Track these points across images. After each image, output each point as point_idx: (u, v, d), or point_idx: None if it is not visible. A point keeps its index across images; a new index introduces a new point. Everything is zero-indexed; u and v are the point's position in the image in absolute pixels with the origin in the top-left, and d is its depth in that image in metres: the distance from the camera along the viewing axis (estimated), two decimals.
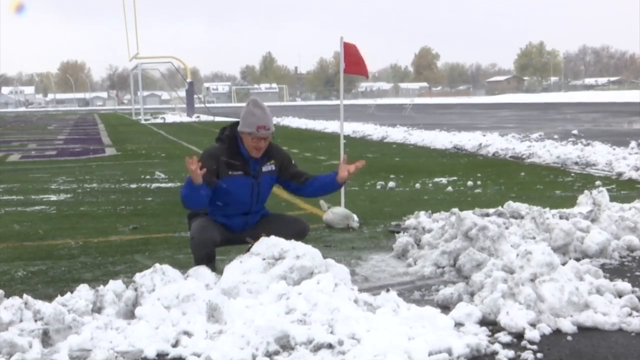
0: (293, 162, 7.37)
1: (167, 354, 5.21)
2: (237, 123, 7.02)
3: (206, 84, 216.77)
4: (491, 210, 9.46)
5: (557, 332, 5.54)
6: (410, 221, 9.69)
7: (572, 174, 16.13)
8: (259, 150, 6.93)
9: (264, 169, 7.07)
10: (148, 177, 17.33)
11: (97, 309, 5.96)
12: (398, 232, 9.22)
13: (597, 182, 14.09)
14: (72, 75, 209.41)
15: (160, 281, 6.08)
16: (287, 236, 6.67)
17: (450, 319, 5.57)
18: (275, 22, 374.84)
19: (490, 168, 17.90)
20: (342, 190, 10.87)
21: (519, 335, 5.45)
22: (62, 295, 6.10)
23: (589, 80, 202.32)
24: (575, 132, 29.18)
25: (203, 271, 6.54)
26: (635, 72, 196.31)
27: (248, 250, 6.63)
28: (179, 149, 27.68)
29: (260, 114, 6.90)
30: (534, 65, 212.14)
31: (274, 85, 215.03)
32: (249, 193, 7.02)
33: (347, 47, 10.37)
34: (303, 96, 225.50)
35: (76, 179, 17.15)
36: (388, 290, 6.13)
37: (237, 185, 6.93)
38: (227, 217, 7.06)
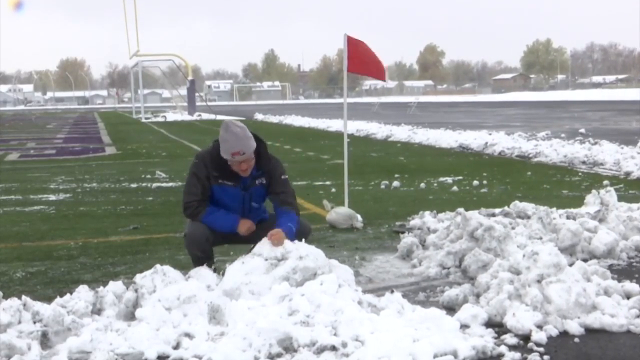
0: (283, 177, 7.02)
1: (168, 356, 5.21)
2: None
3: (208, 82, 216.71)
4: (497, 210, 9.45)
5: (564, 334, 5.54)
6: (415, 221, 9.68)
7: (580, 174, 16.13)
8: (245, 171, 6.83)
9: (257, 181, 6.93)
10: (149, 176, 17.34)
11: (97, 311, 5.97)
12: (402, 233, 9.21)
13: (605, 182, 14.08)
14: (71, 73, 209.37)
15: (161, 282, 6.09)
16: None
17: (455, 321, 5.56)
18: (278, 19, 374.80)
19: (497, 167, 17.91)
20: (346, 189, 10.89)
21: (526, 337, 5.45)
22: (61, 296, 6.11)
23: (597, 78, 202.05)
24: (582, 130, 29.16)
25: (204, 272, 6.54)
26: None
27: (250, 250, 6.64)
28: (180, 148, 27.72)
29: (232, 139, 6.64)
30: (541, 62, 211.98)
31: (277, 83, 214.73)
32: (240, 203, 6.94)
33: (354, 44, 10.31)
34: (306, 94, 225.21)
35: (76, 179, 17.17)
36: (392, 292, 6.13)
37: (226, 195, 6.86)
38: None
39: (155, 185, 15.69)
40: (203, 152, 7.00)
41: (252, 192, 6.96)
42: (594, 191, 9.52)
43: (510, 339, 5.43)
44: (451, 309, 6.20)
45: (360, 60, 10.38)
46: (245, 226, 6.77)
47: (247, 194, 6.93)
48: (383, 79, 10.79)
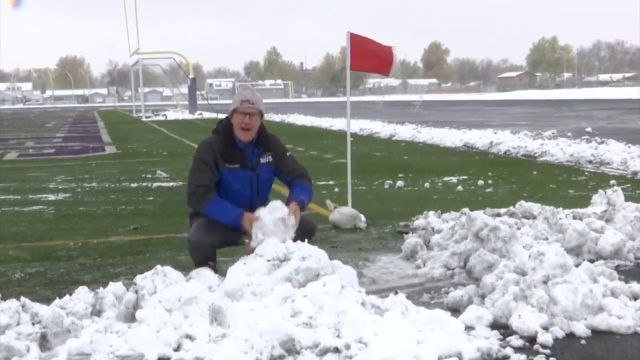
0: (288, 153, 7.36)
1: (168, 358, 5.20)
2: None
3: (209, 80, 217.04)
4: (503, 210, 9.43)
5: (571, 336, 5.54)
6: (419, 221, 9.67)
7: (586, 173, 16.12)
8: (246, 131, 6.96)
9: (262, 160, 7.10)
10: (149, 176, 17.36)
11: (97, 312, 5.96)
12: (407, 233, 9.21)
13: (612, 181, 14.08)
14: (71, 71, 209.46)
15: (162, 283, 6.08)
16: (294, 236, 6.68)
17: (460, 323, 5.56)
18: (281, 16, 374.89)
19: (502, 167, 17.90)
20: (349, 189, 10.89)
21: (531, 339, 5.44)
22: (60, 297, 6.10)
23: (604, 77, 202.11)
24: (589, 129, 29.17)
25: (206, 273, 6.54)
26: None
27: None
28: (181, 147, 27.71)
29: (246, 92, 7.15)
30: (547, 60, 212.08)
31: (279, 81, 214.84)
32: (248, 186, 7.02)
33: (358, 41, 10.30)
34: (309, 93, 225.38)
35: (75, 178, 17.18)
36: (396, 293, 6.13)
37: (235, 179, 6.95)
38: None
39: (155, 185, 15.69)
40: (207, 138, 7.20)
41: (259, 173, 7.09)
42: (600, 191, 9.51)
43: (515, 340, 5.43)
44: (456, 310, 6.19)
45: (363, 57, 10.38)
46: (248, 221, 6.73)
47: (254, 176, 7.04)
48: (386, 73, 10.74)
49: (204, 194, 6.83)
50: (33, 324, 5.51)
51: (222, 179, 6.95)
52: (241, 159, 6.99)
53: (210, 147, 6.98)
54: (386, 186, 14.69)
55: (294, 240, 6.52)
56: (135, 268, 7.94)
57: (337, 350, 5.08)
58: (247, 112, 6.94)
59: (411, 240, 8.43)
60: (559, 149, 19.89)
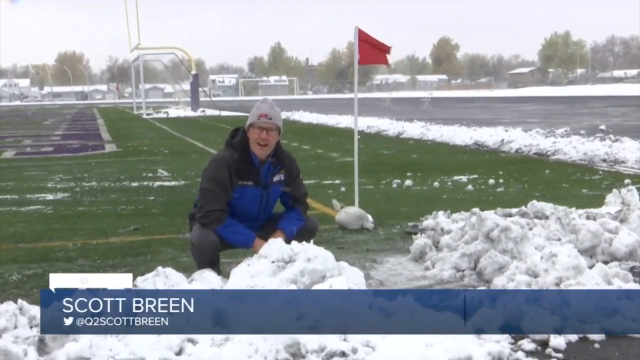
0: (300, 176, 7.37)
1: None
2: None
3: (212, 77, 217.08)
4: (514, 210, 9.41)
5: (584, 339, 5.53)
6: (428, 222, 9.66)
7: (600, 172, 16.10)
8: (263, 146, 6.92)
9: (275, 179, 7.09)
10: (150, 175, 17.36)
11: None
12: (415, 234, 9.19)
13: (627, 181, 14.05)
14: (69, 67, 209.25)
15: (163, 285, 6.09)
16: (295, 236, 6.70)
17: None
18: (285, 10, 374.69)
19: (513, 165, 17.89)
20: (356, 188, 10.88)
21: (544, 343, 5.44)
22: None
23: (618, 73, 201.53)
24: (603, 127, 29.13)
25: (208, 275, 6.54)
26: None
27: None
28: (183, 145, 27.73)
29: (264, 105, 7.04)
30: (560, 56, 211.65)
31: (284, 77, 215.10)
32: (258, 204, 7.04)
33: (362, 35, 10.34)
34: (314, 89, 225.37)
35: (74, 177, 17.19)
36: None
37: (246, 196, 6.95)
38: None
39: (157, 184, 15.69)
40: (223, 153, 7.08)
41: (271, 191, 7.09)
42: (615, 190, 9.49)
43: (527, 344, 5.43)
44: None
45: (370, 51, 10.41)
46: (260, 247, 6.73)
47: (265, 194, 7.04)
48: (386, 63, 10.83)
49: (217, 218, 6.85)
50: (31, 327, 5.51)
51: (232, 196, 6.96)
52: (255, 177, 6.97)
53: (226, 165, 6.92)
54: (394, 185, 14.68)
55: (295, 239, 6.56)
56: (135, 269, 7.92)
57: (343, 354, 5.08)
58: (264, 127, 6.89)
59: (420, 241, 8.42)
60: (572, 147, 19.87)
